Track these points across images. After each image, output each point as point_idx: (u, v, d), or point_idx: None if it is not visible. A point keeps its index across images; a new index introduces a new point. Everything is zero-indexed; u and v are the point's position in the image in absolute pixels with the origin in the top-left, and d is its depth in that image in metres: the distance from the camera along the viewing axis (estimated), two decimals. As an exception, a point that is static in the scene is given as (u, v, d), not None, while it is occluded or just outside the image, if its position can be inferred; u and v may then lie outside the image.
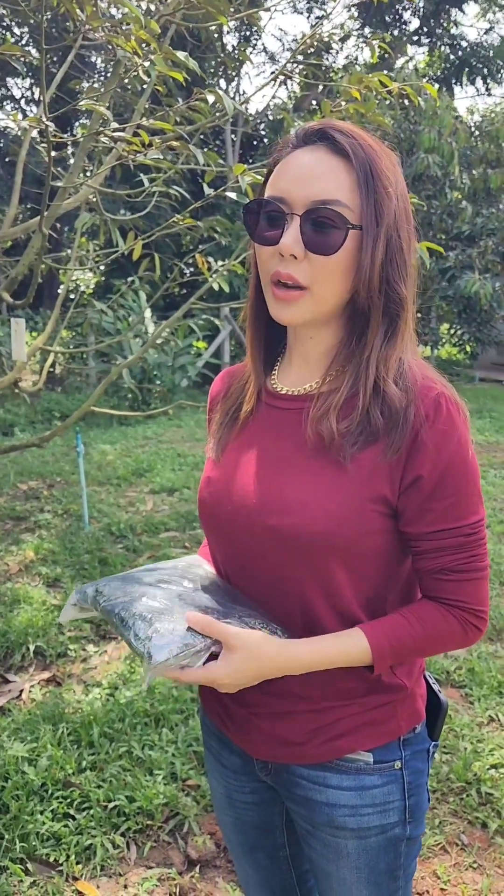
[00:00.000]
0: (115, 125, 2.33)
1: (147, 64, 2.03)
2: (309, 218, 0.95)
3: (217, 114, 2.63)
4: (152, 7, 2.64)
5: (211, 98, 2.16)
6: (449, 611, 1.00)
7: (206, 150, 2.59)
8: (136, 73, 2.40)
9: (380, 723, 1.05)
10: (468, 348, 14.10)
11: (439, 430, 0.94)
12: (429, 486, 0.95)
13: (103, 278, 11.70)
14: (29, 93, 12.64)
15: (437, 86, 14.20)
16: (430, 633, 0.99)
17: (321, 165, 0.96)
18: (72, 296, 8.91)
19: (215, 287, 3.33)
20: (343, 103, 2.65)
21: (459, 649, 1.06)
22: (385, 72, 2.61)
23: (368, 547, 0.98)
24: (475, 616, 1.01)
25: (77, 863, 2.09)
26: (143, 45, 2.14)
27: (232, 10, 3.08)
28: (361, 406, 0.97)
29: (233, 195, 2.53)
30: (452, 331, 13.63)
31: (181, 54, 2.01)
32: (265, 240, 1.00)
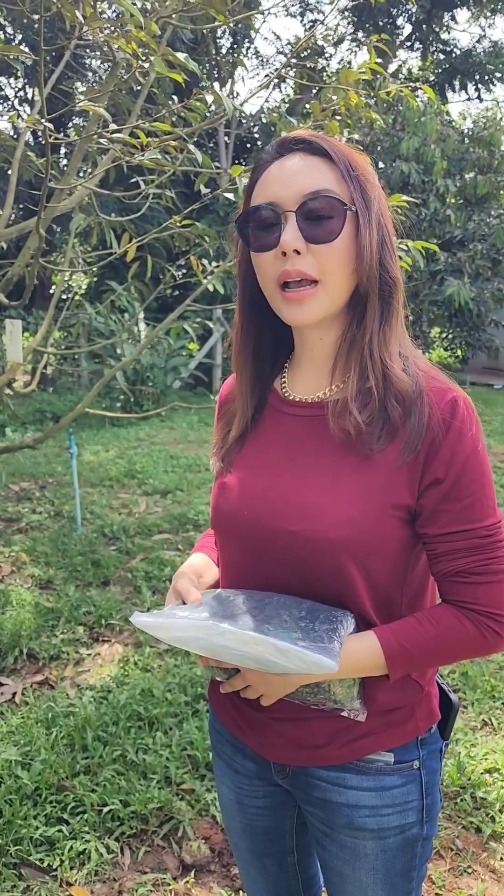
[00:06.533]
0: (113, 126, 2.32)
1: (147, 65, 2.02)
2: (304, 210, 0.96)
3: (215, 115, 2.63)
4: (148, 5, 2.63)
5: (210, 99, 2.16)
6: (465, 614, 0.98)
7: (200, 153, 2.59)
8: (133, 75, 2.40)
9: (399, 723, 1.06)
10: (459, 352, 14.15)
11: (455, 432, 0.96)
12: (445, 488, 0.96)
13: (95, 280, 11.67)
14: (22, 93, 12.61)
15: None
16: (442, 633, 0.98)
17: (304, 164, 0.98)
18: (64, 297, 8.88)
19: (210, 288, 3.33)
20: (333, 97, 2.66)
21: (483, 656, 1.05)
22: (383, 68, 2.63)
23: (385, 552, 0.98)
24: (494, 620, 0.98)
25: (71, 868, 2.08)
26: (141, 46, 2.14)
27: (228, 11, 3.08)
28: (377, 395, 0.98)
29: (230, 196, 2.52)
30: (444, 335, 13.69)
31: (181, 55, 2.01)
32: (263, 246, 0.99)
